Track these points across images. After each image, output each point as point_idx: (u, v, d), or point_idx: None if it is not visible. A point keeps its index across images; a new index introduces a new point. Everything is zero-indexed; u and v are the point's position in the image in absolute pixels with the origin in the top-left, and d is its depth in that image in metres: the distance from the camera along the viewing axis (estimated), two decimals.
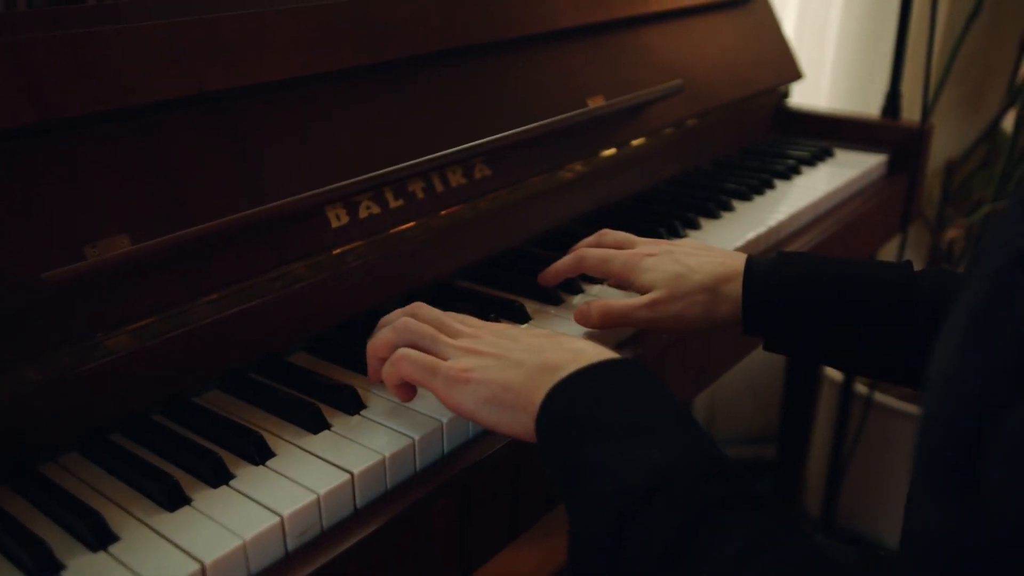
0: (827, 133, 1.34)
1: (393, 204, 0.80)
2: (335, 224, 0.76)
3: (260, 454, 0.60)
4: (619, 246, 0.80)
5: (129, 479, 0.58)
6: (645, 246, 0.78)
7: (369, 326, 0.78)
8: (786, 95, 1.39)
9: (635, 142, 1.06)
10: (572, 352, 0.57)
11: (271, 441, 0.61)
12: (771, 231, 1.00)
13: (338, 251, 0.76)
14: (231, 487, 0.57)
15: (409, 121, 0.83)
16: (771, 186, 1.13)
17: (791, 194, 1.11)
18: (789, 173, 1.17)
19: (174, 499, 0.55)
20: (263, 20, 0.75)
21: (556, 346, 0.58)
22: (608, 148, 1.03)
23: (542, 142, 0.92)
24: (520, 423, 0.56)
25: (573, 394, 0.54)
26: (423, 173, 0.81)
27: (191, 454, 0.59)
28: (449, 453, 0.64)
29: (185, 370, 0.67)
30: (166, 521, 0.54)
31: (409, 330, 0.62)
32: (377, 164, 0.78)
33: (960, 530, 0.35)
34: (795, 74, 1.35)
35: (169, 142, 0.68)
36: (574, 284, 0.84)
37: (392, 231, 0.80)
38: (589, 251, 0.79)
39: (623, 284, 0.79)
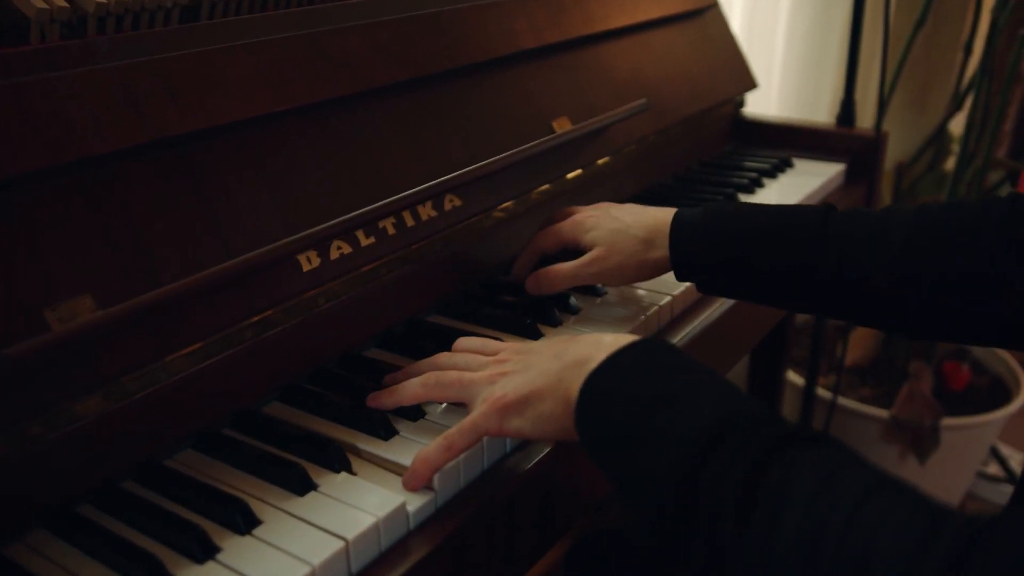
0: (783, 142, 1.34)
1: (364, 242, 0.77)
2: (306, 267, 0.72)
3: (246, 523, 0.57)
4: (565, 217, 0.88)
5: (106, 559, 0.54)
6: (588, 208, 0.87)
7: (342, 370, 0.75)
8: (742, 105, 1.39)
9: (600, 161, 1.05)
10: (594, 345, 0.59)
11: (256, 507, 0.58)
12: None
13: (310, 293, 0.73)
14: (219, 562, 0.54)
15: (375, 154, 0.80)
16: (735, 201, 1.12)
17: None
18: (752, 186, 1.17)
19: None
20: (219, 58, 0.72)
21: (577, 345, 0.60)
22: (574, 169, 1.01)
23: (512, 168, 0.90)
24: (558, 423, 0.58)
25: (610, 377, 0.55)
26: (394, 211, 0.78)
27: (172, 527, 0.56)
28: (444, 505, 0.62)
29: (158, 430, 0.64)
30: None
31: (440, 384, 0.65)
32: (346, 201, 0.76)
33: None
34: (750, 83, 1.36)
35: (128, 193, 0.64)
36: (552, 316, 0.83)
37: (365, 269, 0.77)
38: (541, 232, 0.87)
39: (572, 246, 0.85)
